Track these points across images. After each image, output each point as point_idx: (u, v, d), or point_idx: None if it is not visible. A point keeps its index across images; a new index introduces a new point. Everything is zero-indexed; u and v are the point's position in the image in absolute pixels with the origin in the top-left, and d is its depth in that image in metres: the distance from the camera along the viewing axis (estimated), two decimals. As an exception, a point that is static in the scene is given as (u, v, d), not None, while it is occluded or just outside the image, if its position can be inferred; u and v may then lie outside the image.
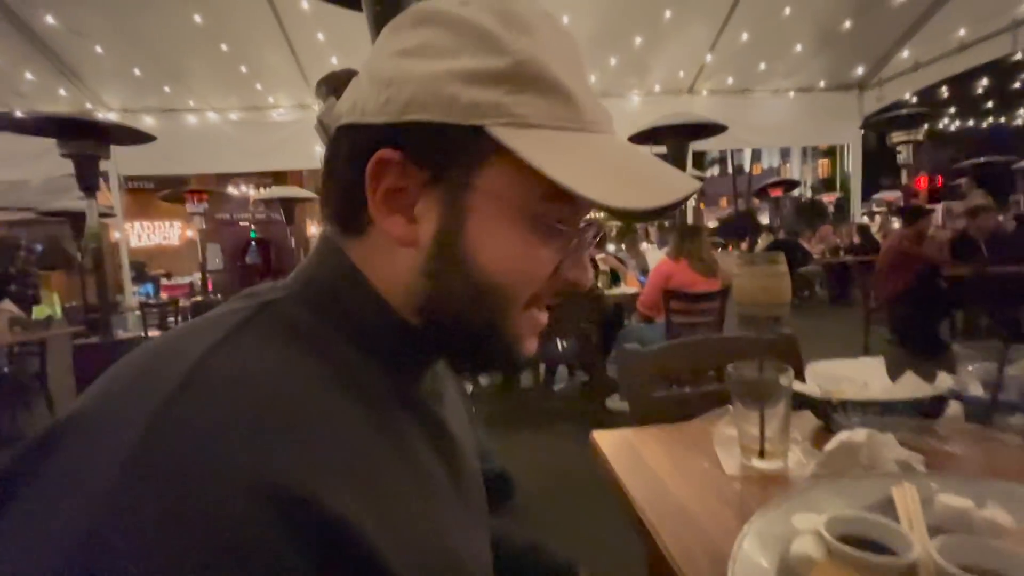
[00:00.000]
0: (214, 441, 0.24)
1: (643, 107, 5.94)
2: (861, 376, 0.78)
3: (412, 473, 0.35)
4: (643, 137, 3.44)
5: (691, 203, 7.46)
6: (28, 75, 4.76)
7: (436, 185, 0.34)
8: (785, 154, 28.59)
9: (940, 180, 11.16)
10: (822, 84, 6.20)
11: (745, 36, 5.15)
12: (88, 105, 5.23)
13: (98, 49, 4.55)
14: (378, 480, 0.31)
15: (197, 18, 4.21)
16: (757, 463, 0.65)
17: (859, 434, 0.61)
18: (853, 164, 7.18)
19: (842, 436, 0.61)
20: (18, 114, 4.19)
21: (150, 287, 8.17)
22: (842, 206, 14.18)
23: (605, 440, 0.82)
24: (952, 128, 9.69)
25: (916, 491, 0.51)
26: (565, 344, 2.90)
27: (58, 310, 5.91)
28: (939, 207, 8.06)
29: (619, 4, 4.69)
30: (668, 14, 4.81)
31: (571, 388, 3.57)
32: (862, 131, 6.34)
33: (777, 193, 7.72)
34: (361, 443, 0.32)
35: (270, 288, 0.36)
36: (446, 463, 0.40)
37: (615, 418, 2.91)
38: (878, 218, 10.51)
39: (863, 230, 7.46)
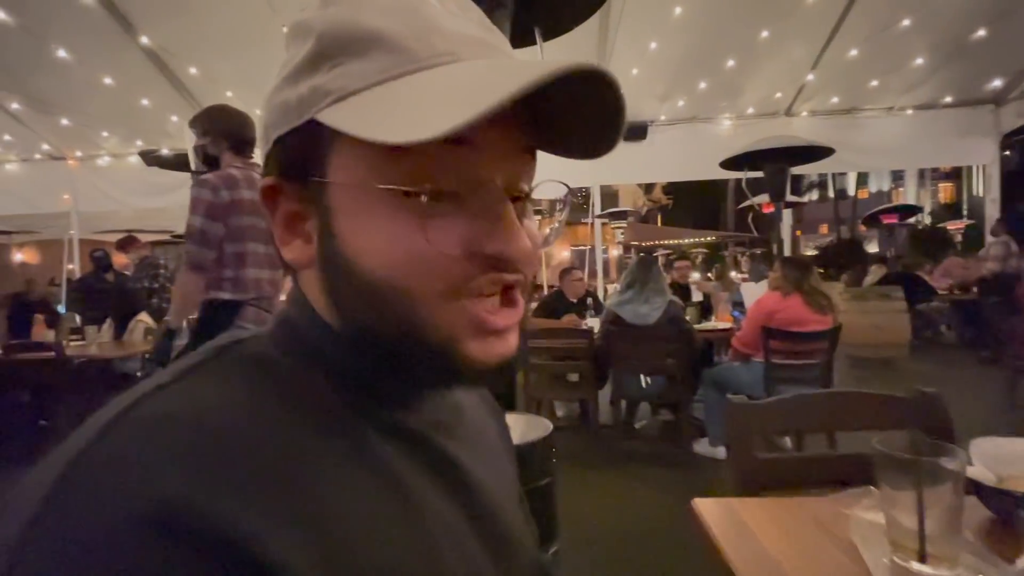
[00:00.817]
0: (113, 473, 0.23)
1: (735, 131, 5.66)
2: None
3: (390, 502, 0.31)
4: (736, 162, 3.24)
5: (787, 229, 6.93)
6: (173, 117, 5.53)
7: (308, 195, 0.32)
8: (897, 177, 25.92)
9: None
10: (948, 100, 5.54)
11: (854, 52, 4.75)
12: (217, 142, 5.97)
13: (228, 94, 5.19)
14: (324, 504, 0.28)
15: (309, 63, 4.67)
16: (916, 567, 0.53)
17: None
18: (987, 187, 6.29)
19: (1044, 549, 0.47)
20: (164, 152, 4.86)
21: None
22: (972, 235, 12.47)
23: (708, 510, 0.71)
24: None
25: None
26: (649, 381, 2.73)
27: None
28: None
29: (711, 27, 4.54)
30: (765, 34, 4.57)
31: (653, 427, 3.36)
32: (1000, 151, 5.56)
33: (891, 220, 6.95)
34: (317, 477, 0.28)
35: (243, 333, 0.35)
36: (453, 498, 0.35)
37: (703, 465, 2.68)
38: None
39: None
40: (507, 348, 0.33)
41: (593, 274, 7.26)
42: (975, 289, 6.52)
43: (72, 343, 3.52)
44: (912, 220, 13.02)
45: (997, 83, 5.30)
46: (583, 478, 2.60)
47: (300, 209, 0.33)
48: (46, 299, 6.10)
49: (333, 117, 0.29)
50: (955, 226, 14.45)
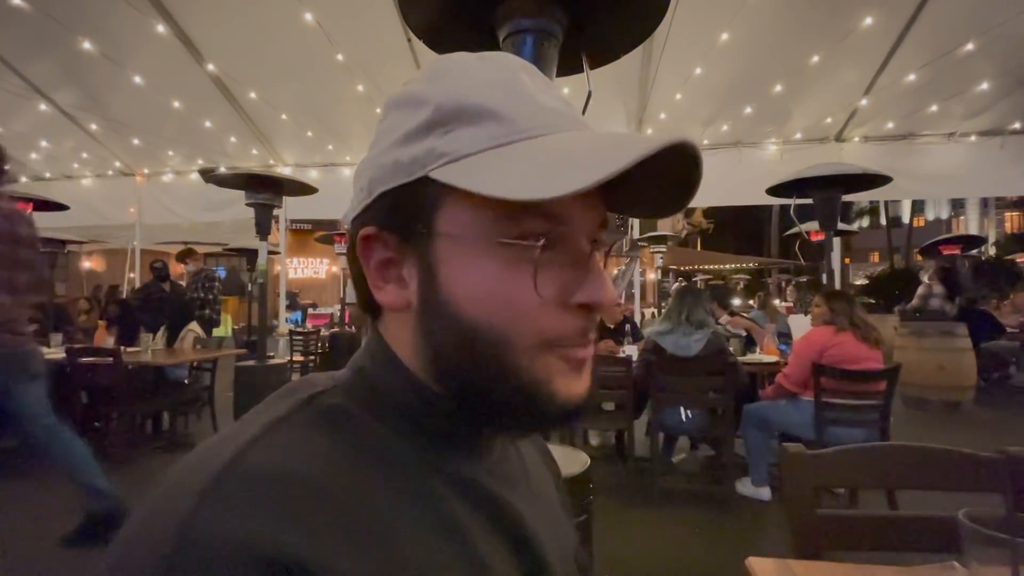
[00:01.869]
0: (226, 535, 0.25)
1: (781, 156, 5.53)
2: None
3: (450, 550, 0.32)
4: (785, 188, 3.13)
5: (836, 257, 6.63)
6: (232, 138, 5.87)
7: (409, 244, 0.35)
8: (957, 205, 24.53)
9: None
10: (1016, 126, 5.24)
11: (912, 77, 4.57)
12: (271, 162, 6.27)
13: (283, 116, 5.48)
14: (401, 552, 0.30)
15: (360, 87, 4.87)
16: (1016, 664, 0.46)
17: None
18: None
19: None
20: (222, 170, 5.15)
21: (299, 315, 9.30)
22: (1045, 268, 11.58)
23: (764, 569, 0.66)
24: None
25: None
26: (689, 414, 2.63)
27: (230, 331, 6.95)
28: None
29: (759, 53, 4.48)
30: (815, 59, 4.47)
31: (692, 463, 3.22)
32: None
33: (952, 251, 6.53)
34: (385, 520, 0.30)
35: (320, 380, 0.37)
36: (511, 551, 0.36)
37: (746, 507, 2.53)
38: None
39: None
40: (585, 385, 0.36)
41: (630, 298, 7.14)
42: (1050, 328, 6.02)
43: (127, 349, 3.71)
44: (975, 251, 12.25)
45: (1071, 109, 4.98)
46: (618, 515, 2.51)
47: (396, 256, 0.36)
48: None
49: (448, 175, 0.32)
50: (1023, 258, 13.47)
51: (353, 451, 0.32)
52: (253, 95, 5.17)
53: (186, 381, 3.87)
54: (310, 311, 10.01)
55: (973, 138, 5.39)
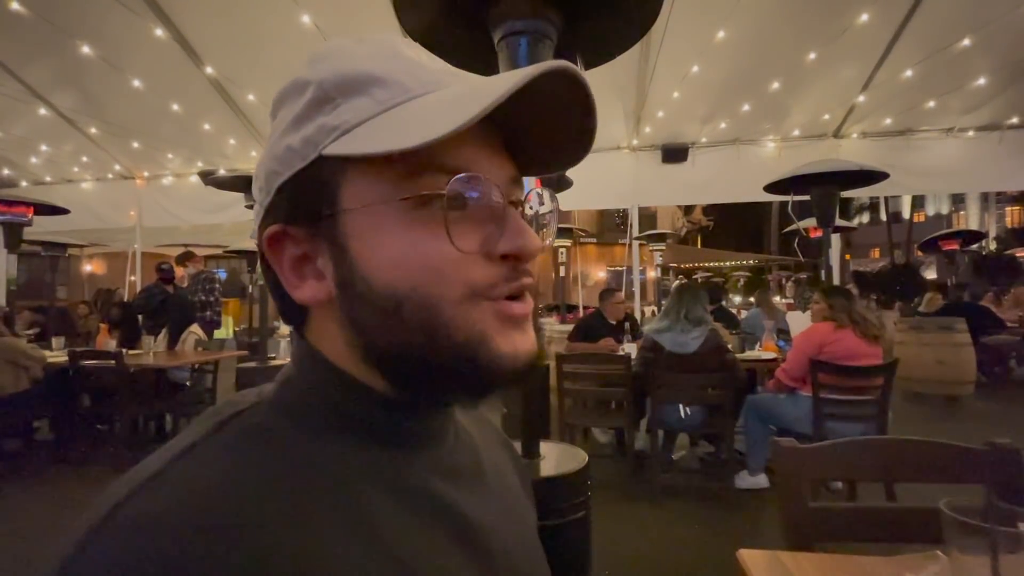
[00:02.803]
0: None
1: (779, 153, 5.52)
2: None
3: (381, 561, 0.31)
4: (782, 185, 3.14)
5: (836, 254, 6.63)
6: (231, 140, 5.89)
7: (318, 232, 0.33)
8: (957, 200, 24.49)
9: None
10: (1014, 120, 5.23)
11: (909, 72, 4.57)
12: (270, 164, 6.30)
13: (281, 118, 5.50)
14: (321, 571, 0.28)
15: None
16: (994, 648, 0.48)
17: None
18: (1062, 213, 5.85)
19: None
20: (221, 172, 5.17)
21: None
22: (1045, 263, 11.59)
23: (755, 562, 0.68)
24: None
25: None
26: (688, 411, 2.64)
27: (231, 333, 6.97)
28: None
29: (756, 50, 4.48)
30: (812, 56, 4.47)
31: (692, 459, 3.23)
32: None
33: (952, 246, 6.54)
34: (302, 549, 0.28)
35: (246, 397, 0.35)
36: (461, 551, 0.35)
37: (745, 502, 2.55)
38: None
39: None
40: (530, 342, 0.34)
41: (630, 296, 7.15)
42: (1050, 322, 6.02)
43: (129, 352, 3.73)
44: (975, 246, 12.26)
45: (1069, 103, 4.98)
46: (618, 510, 2.53)
47: (308, 250, 0.34)
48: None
49: (343, 147, 0.31)
50: (1024, 253, 13.46)
51: (276, 478, 0.30)
52: (252, 97, 5.18)
53: (188, 383, 3.89)
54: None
55: (971, 133, 5.39)
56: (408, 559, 0.32)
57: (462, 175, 0.31)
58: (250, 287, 6.31)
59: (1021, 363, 6.29)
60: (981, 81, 4.69)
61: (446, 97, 0.32)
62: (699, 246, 20.23)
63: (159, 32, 4.21)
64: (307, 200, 0.33)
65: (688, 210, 19.74)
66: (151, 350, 3.83)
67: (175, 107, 5.19)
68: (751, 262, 16.21)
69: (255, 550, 0.27)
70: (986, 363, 5.56)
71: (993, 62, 4.51)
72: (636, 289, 6.79)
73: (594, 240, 17.17)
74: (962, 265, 8.49)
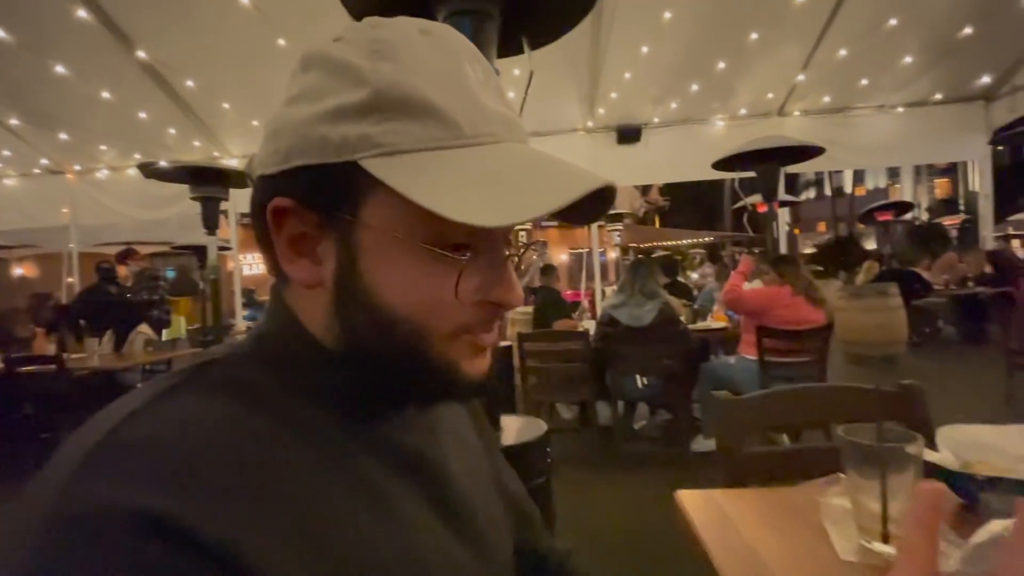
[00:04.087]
0: (101, 502, 0.26)
1: (728, 132, 5.70)
2: (1016, 447, 0.65)
3: (355, 500, 0.34)
4: (729, 163, 3.27)
5: (784, 228, 6.96)
6: (171, 130, 5.58)
7: (330, 225, 0.35)
8: (894, 174, 25.96)
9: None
10: (938, 97, 5.59)
11: (843, 52, 4.80)
12: (215, 153, 6.00)
13: (225, 105, 5.24)
14: (301, 511, 0.30)
15: (305, 73, 4.72)
16: (879, 548, 0.55)
17: (1019, 525, 0.49)
18: (981, 183, 6.33)
19: (995, 527, 0.50)
20: (162, 164, 4.90)
21: (256, 312, 9.03)
22: (968, 230, 12.50)
23: (691, 502, 0.74)
24: (1112, 137, 8.24)
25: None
26: (645, 381, 2.76)
27: (183, 332, 6.71)
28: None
29: (701, 31, 4.59)
30: (754, 36, 4.62)
31: (652, 428, 3.38)
32: (992, 146, 5.60)
33: (886, 217, 6.97)
34: (283, 480, 0.31)
35: (217, 350, 0.37)
36: (425, 494, 0.39)
37: (701, 461, 2.70)
38: (1017, 243, 9.09)
39: (995, 257, 6.49)
40: (487, 365, 0.39)
41: (591, 277, 7.29)
42: (971, 284, 6.54)
43: (72, 355, 3.54)
44: (909, 216, 13.07)
45: (986, 80, 5.34)
46: (583, 479, 2.63)
47: (313, 233, 0.35)
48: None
49: (382, 170, 0.32)
50: (951, 221, 14.47)
51: (253, 416, 0.32)
52: (190, 83, 4.92)
53: (139, 385, 3.73)
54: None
55: (900, 110, 5.71)
56: (387, 495, 0.36)
57: (483, 241, 0.35)
58: (202, 284, 6.06)
59: (948, 323, 6.83)
60: (908, 60, 4.97)
61: (501, 176, 0.33)
62: (657, 226, 20.69)
63: (82, 13, 3.93)
64: (327, 196, 0.34)
65: (645, 190, 20.13)
66: (96, 353, 3.65)
67: (105, 95, 4.86)
68: (707, 239, 16.75)
69: (239, 473, 0.29)
70: (918, 324, 6.02)
71: (918, 41, 4.78)
72: (597, 270, 6.93)
73: (555, 224, 17.31)
74: (896, 235, 9.06)
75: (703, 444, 2.80)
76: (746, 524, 0.66)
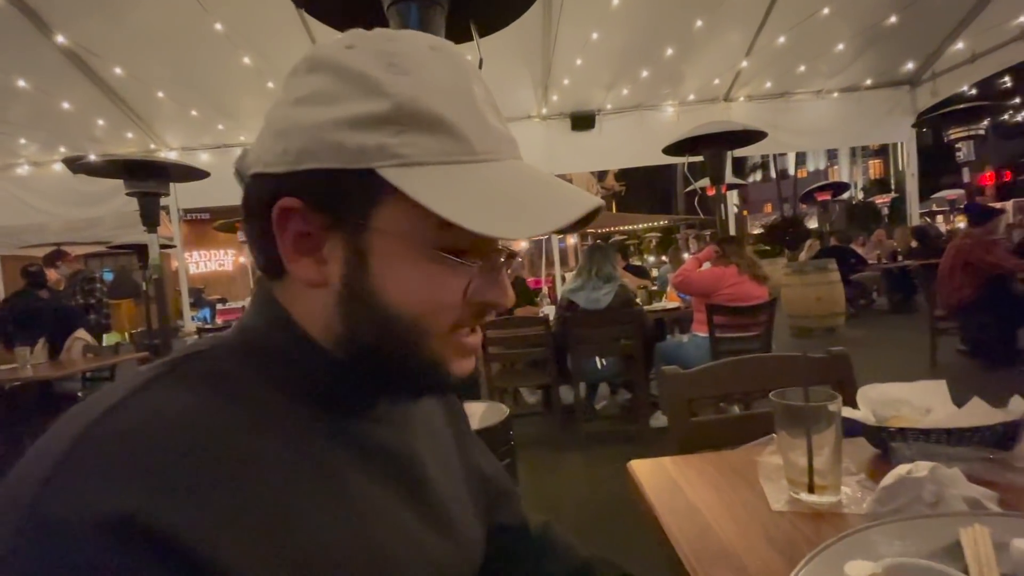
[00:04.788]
0: (78, 494, 0.26)
1: (678, 117, 5.86)
2: (922, 401, 0.72)
3: (324, 496, 0.35)
4: (678, 148, 3.37)
5: (733, 210, 7.25)
6: (100, 121, 5.20)
7: (338, 228, 0.36)
8: (833, 156, 27.39)
9: (1008, 175, 10.35)
10: (868, 82, 5.93)
11: (782, 39, 5.01)
12: (152, 146, 5.65)
13: (160, 94, 4.93)
14: (270, 508, 0.31)
15: (247, 60, 4.49)
16: (806, 498, 0.61)
17: (921, 467, 0.56)
18: (908, 163, 6.79)
19: (901, 470, 0.56)
20: (91, 157, 4.57)
21: (207, 312, 8.63)
22: (898, 207, 13.39)
23: (642, 470, 0.79)
24: (1020, 119, 9.01)
25: (988, 534, 0.46)
26: (604, 363, 2.84)
27: (126, 335, 6.34)
28: (1009, 204, 7.46)
29: (648, 17, 4.67)
30: (699, 23, 4.75)
31: (613, 407, 3.49)
32: (915, 128, 6.02)
33: (825, 197, 7.38)
34: (254, 478, 0.32)
35: (201, 342, 0.38)
36: (391, 482, 0.41)
37: (659, 436, 2.82)
38: (940, 219, 9.82)
39: (922, 232, 7.00)
40: (473, 364, 0.42)
41: (551, 263, 7.37)
42: (900, 258, 7.05)
43: (2, 366, 3.30)
44: (846, 196, 13.87)
45: (911, 66, 5.71)
46: (547, 459, 2.70)
47: (318, 233, 0.36)
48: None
49: (399, 179, 0.33)
50: (883, 200, 15.46)
51: (230, 413, 0.33)
52: (119, 71, 4.59)
53: (80, 394, 3.53)
54: (219, 307, 9.31)
55: (835, 95, 6.03)
56: (352, 487, 0.38)
57: (488, 248, 0.38)
58: (144, 285, 5.73)
59: (881, 295, 7.35)
60: (840, 47, 5.24)
61: (510, 191, 0.35)
62: (614, 211, 21.07)
63: (-11, -6, 3.59)
64: (340, 200, 0.35)
65: (602, 176, 20.42)
66: (28, 362, 3.41)
67: (22, 83, 4.47)
68: (662, 223, 17.23)
69: (214, 471, 0.30)
70: (854, 297, 6.44)
71: (849, 29, 5.04)
72: (556, 256, 7.02)
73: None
74: (835, 214, 9.59)
75: (661, 420, 2.92)
76: (691, 486, 0.71)
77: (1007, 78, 7.14)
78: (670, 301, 3.47)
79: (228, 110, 5.32)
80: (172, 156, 5.52)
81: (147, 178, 3.20)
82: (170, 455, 0.29)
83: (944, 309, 3.79)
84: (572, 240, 14.75)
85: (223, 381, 0.35)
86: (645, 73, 5.38)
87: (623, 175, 20.40)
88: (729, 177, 4.52)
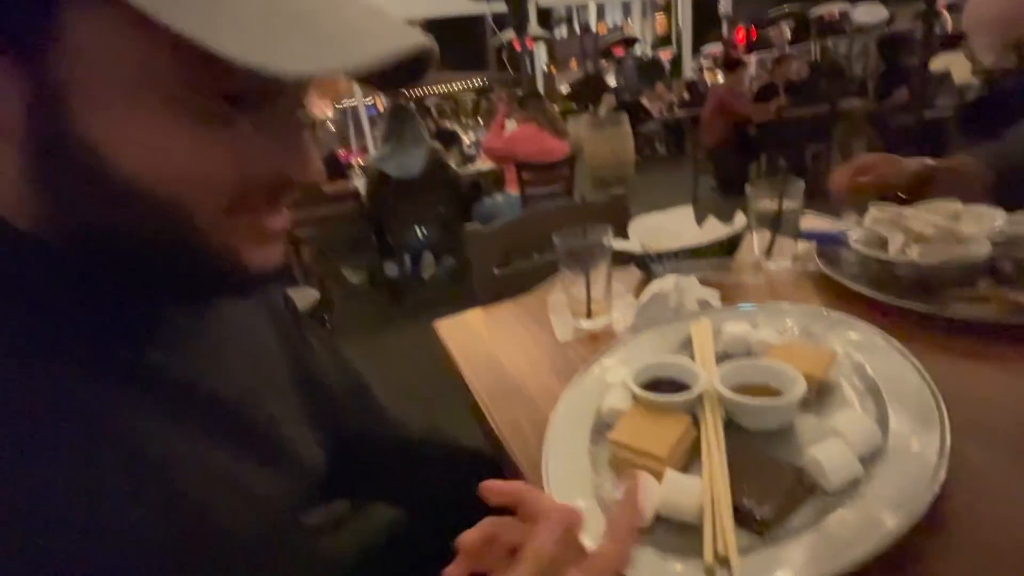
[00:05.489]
0: None
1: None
2: (676, 226, 0.83)
3: (63, 447, 0.27)
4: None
5: (541, 68, 7.25)
6: None
7: (6, 43, 0.23)
8: (627, 10, 28.61)
9: (755, 32, 12.11)
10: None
11: None
12: None
13: None
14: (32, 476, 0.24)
15: None
16: (584, 324, 0.68)
17: (667, 281, 0.64)
18: (683, 19, 7.42)
19: (653, 287, 0.64)
20: None
21: None
22: (678, 63, 14.96)
23: (446, 328, 0.79)
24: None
25: (709, 325, 0.56)
26: (425, 231, 2.80)
27: None
28: (753, 58, 8.86)
29: None
30: None
31: (441, 274, 3.57)
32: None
33: (620, 52, 7.80)
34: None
35: None
36: (199, 418, 0.34)
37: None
38: (708, 73, 11.29)
39: (691, 85, 8.02)
40: (279, 253, 0.32)
41: (361, 134, 6.69)
42: (676, 110, 8.06)
43: None
44: (639, 52, 14.88)
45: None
46: (374, 337, 2.70)
47: None
48: None
49: None
50: (667, 55, 17.05)
51: None
52: None
53: None
54: None
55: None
56: (135, 441, 0.29)
57: (274, 96, 0.27)
58: None
59: (662, 144, 8.48)
60: None
61: (299, 8, 0.23)
62: (426, 70, 19.56)
63: None
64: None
65: (408, 29, 18.37)
66: None
67: None
68: (479, 82, 16.62)
69: None
70: (641, 147, 7.31)
71: None
72: (366, 124, 6.38)
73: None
74: (628, 69, 10.32)
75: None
76: (492, 336, 0.74)
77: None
78: (485, 161, 3.48)
79: None
80: None
81: None
82: None
83: (703, 152, 4.56)
84: (383, 106, 13.47)
85: None
86: None
87: (429, 28, 18.65)
88: (535, 29, 4.39)
